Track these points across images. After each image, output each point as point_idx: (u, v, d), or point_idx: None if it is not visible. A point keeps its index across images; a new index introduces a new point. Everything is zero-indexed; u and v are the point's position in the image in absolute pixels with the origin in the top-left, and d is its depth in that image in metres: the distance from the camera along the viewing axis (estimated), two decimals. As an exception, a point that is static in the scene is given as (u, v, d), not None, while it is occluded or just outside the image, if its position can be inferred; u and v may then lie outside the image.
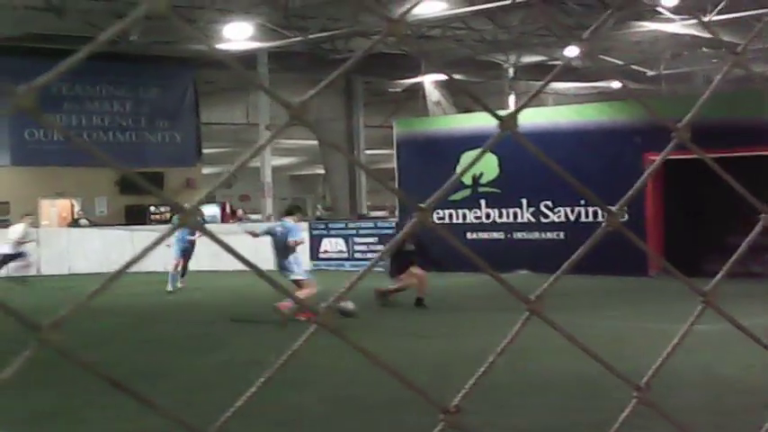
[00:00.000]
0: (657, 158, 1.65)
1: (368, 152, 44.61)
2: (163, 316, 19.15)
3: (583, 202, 25.88)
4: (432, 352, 13.17)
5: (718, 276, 1.41)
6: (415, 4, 1.34)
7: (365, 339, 11.06)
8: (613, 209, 1.40)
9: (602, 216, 1.42)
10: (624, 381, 1.28)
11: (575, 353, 1.42)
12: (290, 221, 17.89)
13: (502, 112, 1.34)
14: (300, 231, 19.17)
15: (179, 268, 24.35)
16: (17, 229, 27.54)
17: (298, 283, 16.94)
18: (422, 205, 1.27)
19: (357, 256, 31.04)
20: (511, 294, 1.34)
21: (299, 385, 9.87)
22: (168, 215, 35.11)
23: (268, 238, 17.54)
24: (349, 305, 15.81)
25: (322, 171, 46.35)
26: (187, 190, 38.56)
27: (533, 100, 1.58)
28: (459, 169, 28.29)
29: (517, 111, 1.35)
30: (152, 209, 37.17)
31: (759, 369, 10.63)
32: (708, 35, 34.99)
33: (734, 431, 8.26)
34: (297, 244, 17.64)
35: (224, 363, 12.68)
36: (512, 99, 42.60)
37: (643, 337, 12.91)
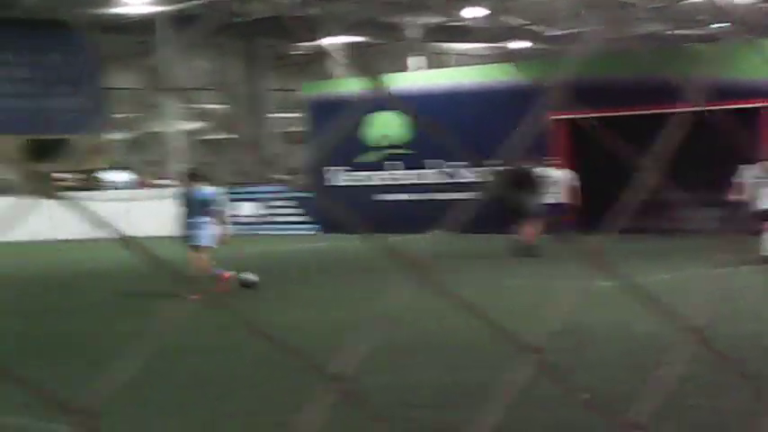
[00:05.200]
0: (561, 117, 1.67)
1: (271, 115, 44.30)
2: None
3: (492, 161, 25.99)
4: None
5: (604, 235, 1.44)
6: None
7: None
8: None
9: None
10: (520, 345, 1.29)
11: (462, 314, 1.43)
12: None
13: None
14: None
15: None
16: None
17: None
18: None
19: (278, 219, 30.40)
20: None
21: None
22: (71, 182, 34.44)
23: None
24: (250, 276, 15.48)
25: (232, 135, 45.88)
26: (94, 155, 38.02)
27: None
28: (367, 130, 28.18)
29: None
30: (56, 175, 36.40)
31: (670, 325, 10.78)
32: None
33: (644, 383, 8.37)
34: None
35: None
36: (411, 61, 42.50)
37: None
